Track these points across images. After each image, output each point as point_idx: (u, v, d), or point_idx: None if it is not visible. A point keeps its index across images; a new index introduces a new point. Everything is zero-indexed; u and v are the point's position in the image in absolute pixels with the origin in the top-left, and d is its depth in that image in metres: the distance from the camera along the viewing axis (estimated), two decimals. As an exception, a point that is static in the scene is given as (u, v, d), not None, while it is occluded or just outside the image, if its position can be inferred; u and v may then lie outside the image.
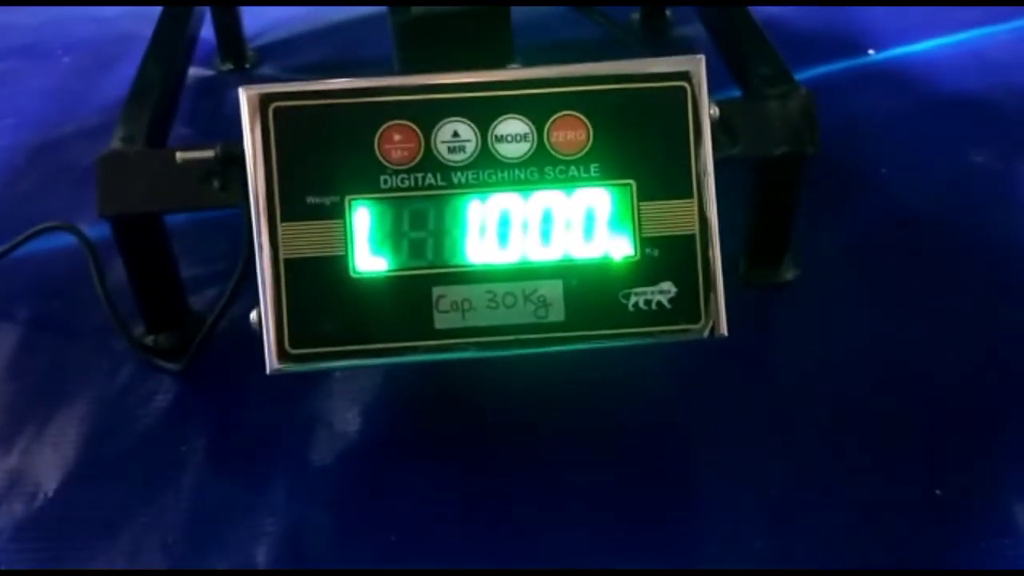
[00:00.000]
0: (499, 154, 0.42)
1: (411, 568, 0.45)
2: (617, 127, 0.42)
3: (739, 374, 0.54)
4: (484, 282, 0.42)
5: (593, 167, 0.42)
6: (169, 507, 0.48)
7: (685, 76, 0.42)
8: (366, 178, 0.42)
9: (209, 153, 0.46)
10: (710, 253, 0.43)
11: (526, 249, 0.42)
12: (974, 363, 0.55)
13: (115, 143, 0.53)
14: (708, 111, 0.43)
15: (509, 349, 0.42)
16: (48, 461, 0.51)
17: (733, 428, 0.51)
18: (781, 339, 0.58)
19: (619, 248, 0.42)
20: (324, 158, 0.42)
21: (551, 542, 0.46)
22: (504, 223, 0.42)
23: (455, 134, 0.42)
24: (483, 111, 0.42)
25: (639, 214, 0.42)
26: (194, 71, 0.82)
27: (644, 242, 0.42)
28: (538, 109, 0.42)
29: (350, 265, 0.42)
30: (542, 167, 0.42)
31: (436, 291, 0.42)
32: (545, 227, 0.42)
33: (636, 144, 0.42)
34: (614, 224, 0.42)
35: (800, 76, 0.56)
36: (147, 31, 0.65)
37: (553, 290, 0.42)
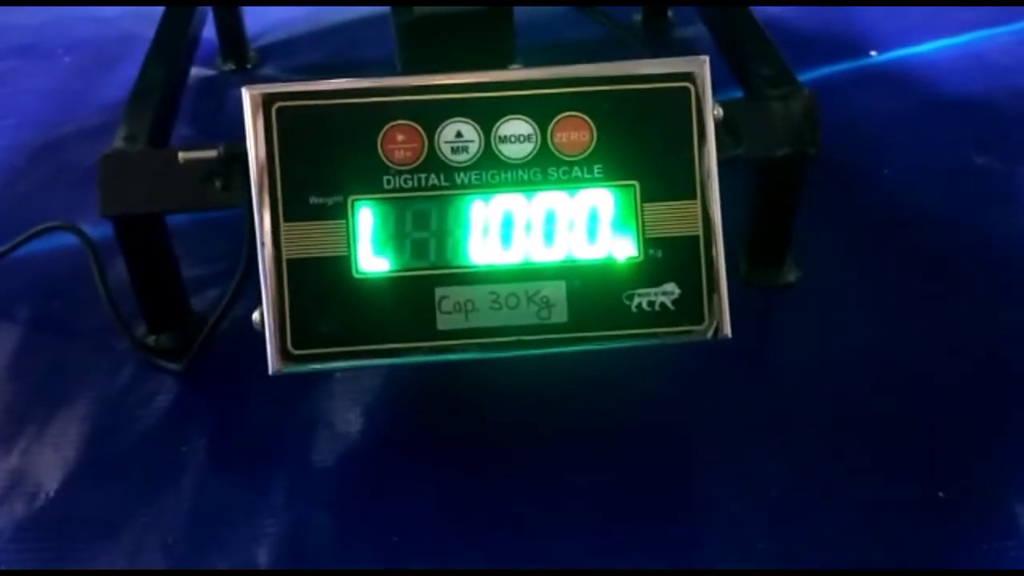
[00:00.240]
0: (502, 154, 0.42)
1: (412, 568, 0.45)
2: (621, 128, 0.42)
3: (740, 375, 0.54)
4: (487, 283, 0.42)
5: (596, 168, 0.42)
6: (170, 508, 0.48)
7: (689, 77, 0.42)
8: (369, 178, 0.42)
9: (211, 153, 0.46)
10: (714, 254, 0.42)
11: (529, 250, 0.42)
12: (976, 364, 0.55)
13: (117, 143, 0.53)
14: (712, 112, 0.42)
15: (512, 350, 0.42)
16: (49, 461, 0.51)
17: (734, 429, 0.51)
18: (782, 340, 0.58)
19: (622, 249, 0.42)
20: (327, 158, 0.42)
21: (551, 543, 0.46)
22: (507, 224, 0.42)
23: (458, 134, 0.42)
24: (486, 111, 0.42)
25: (642, 215, 0.42)
26: (196, 71, 0.82)
27: (647, 243, 0.42)
28: (542, 110, 0.42)
29: (353, 265, 0.42)
30: (545, 168, 0.42)
31: (439, 292, 0.42)
32: (548, 228, 0.42)
33: (640, 145, 0.42)
34: (617, 225, 0.42)
35: (802, 77, 0.56)
36: (148, 31, 0.65)
37: (556, 291, 0.42)
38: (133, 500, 0.48)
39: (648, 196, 0.42)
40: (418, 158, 0.42)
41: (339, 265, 0.42)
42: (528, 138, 0.42)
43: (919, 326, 0.57)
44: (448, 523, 0.47)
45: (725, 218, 0.43)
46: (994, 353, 0.55)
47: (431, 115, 0.42)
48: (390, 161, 0.42)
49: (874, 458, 0.50)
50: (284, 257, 0.42)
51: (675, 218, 0.43)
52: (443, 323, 0.42)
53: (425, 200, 0.42)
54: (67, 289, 0.61)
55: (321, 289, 0.42)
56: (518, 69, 0.46)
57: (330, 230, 0.42)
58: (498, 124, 0.42)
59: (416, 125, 0.42)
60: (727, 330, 0.43)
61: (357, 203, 0.42)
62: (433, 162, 0.42)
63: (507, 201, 0.42)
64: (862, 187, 0.68)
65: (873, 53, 0.84)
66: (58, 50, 0.92)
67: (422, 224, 0.42)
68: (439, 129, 0.42)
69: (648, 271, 0.42)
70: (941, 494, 0.48)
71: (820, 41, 0.86)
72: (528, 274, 0.42)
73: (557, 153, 0.42)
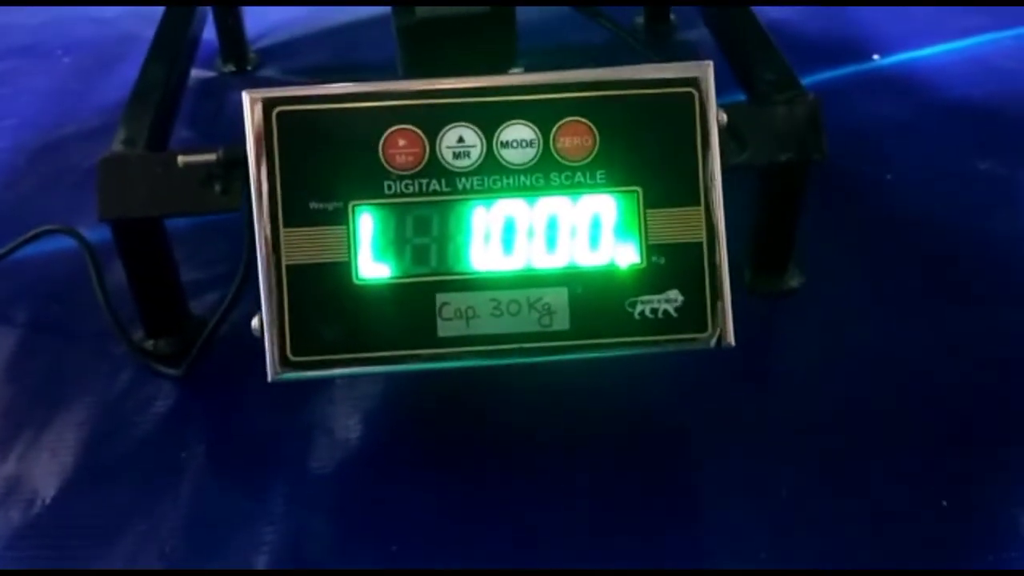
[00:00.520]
0: (504, 160, 0.42)
1: (411, 568, 0.45)
2: (624, 133, 0.42)
3: (743, 382, 0.54)
4: (488, 289, 0.42)
5: (599, 174, 0.42)
6: (168, 514, 0.48)
7: (693, 82, 0.42)
8: (370, 183, 0.41)
9: (211, 157, 0.45)
10: (717, 261, 0.42)
11: (531, 256, 0.42)
12: (981, 371, 0.54)
13: (116, 146, 0.52)
14: (716, 118, 0.42)
15: (513, 358, 0.42)
16: (46, 467, 0.50)
17: (737, 436, 0.51)
18: (786, 346, 0.58)
19: (625, 256, 0.42)
20: (327, 163, 0.41)
21: (551, 552, 0.46)
22: (509, 230, 0.42)
23: (460, 139, 0.42)
24: (489, 116, 0.42)
25: (645, 221, 0.42)
26: (196, 73, 0.82)
27: (650, 250, 0.42)
28: (544, 115, 0.42)
29: (353, 271, 0.41)
30: (548, 173, 0.42)
31: (440, 298, 0.42)
32: (550, 234, 0.42)
33: (643, 151, 0.42)
34: (620, 231, 0.42)
35: (805, 81, 0.56)
36: (148, 32, 0.64)
37: (558, 298, 0.42)
38: (131, 506, 0.48)
39: (651, 202, 0.42)
40: (419, 163, 0.42)
41: (339, 271, 0.41)
42: (530, 143, 0.42)
43: (923, 332, 0.57)
44: (447, 531, 0.47)
45: (728, 224, 0.43)
46: (999, 359, 0.55)
47: (433, 120, 0.42)
48: (391, 166, 0.42)
49: (877, 466, 0.49)
50: (284, 263, 0.41)
51: (678, 225, 0.42)
52: (444, 330, 0.42)
53: (426, 206, 0.42)
54: (65, 293, 0.61)
55: (321, 295, 0.41)
56: (520, 73, 0.46)
57: (330, 236, 0.41)
58: (500, 129, 0.42)
59: (417, 130, 0.42)
60: (731, 338, 0.42)
61: (358, 208, 0.41)
62: (434, 167, 0.42)
63: (509, 207, 0.42)
64: (865, 192, 0.68)
65: (876, 57, 0.83)
66: (57, 51, 0.91)
67: (423, 230, 0.42)
68: (441, 134, 0.42)
69: (651, 278, 0.42)
70: (945, 503, 0.47)
71: (823, 45, 0.85)
72: (530, 281, 0.42)
73: (559, 159, 0.42)
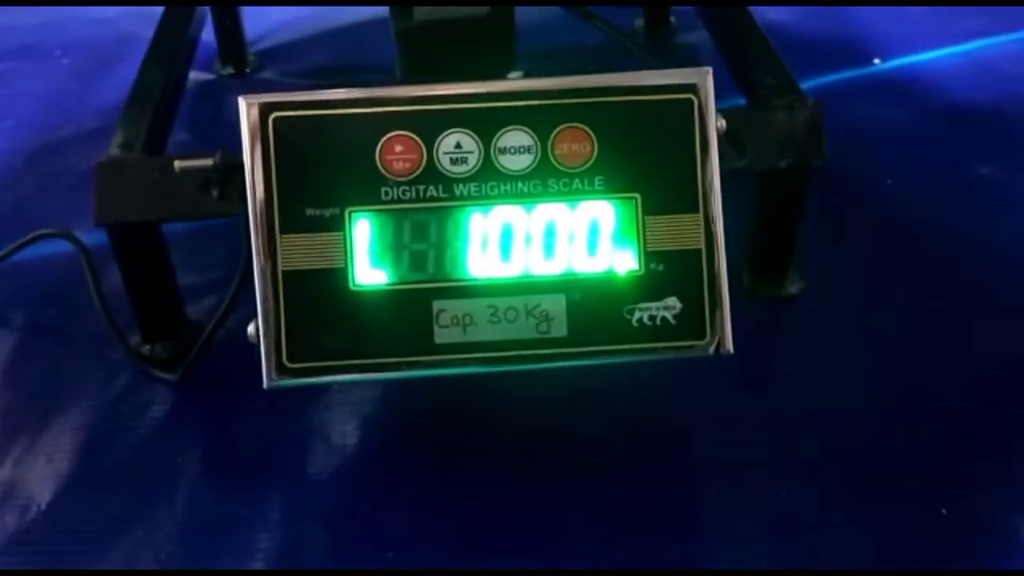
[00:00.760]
0: (502, 166, 0.42)
1: (410, 568, 0.45)
2: (622, 140, 0.42)
3: (742, 388, 0.54)
4: (486, 296, 0.42)
5: (597, 180, 0.42)
6: (164, 519, 0.47)
7: (692, 88, 0.42)
8: (367, 189, 0.41)
9: (208, 161, 0.45)
10: (716, 268, 0.42)
11: (528, 263, 0.42)
12: (982, 378, 0.54)
13: (113, 149, 0.52)
14: (715, 124, 0.42)
15: (510, 365, 0.42)
16: (41, 472, 0.50)
17: (736, 443, 0.51)
18: (785, 353, 0.57)
19: (623, 262, 0.42)
20: (324, 169, 0.41)
21: (551, 558, 0.46)
22: (506, 236, 0.42)
23: (457, 145, 0.42)
24: (486, 122, 0.42)
25: (644, 228, 0.42)
26: (194, 75, 0.81)
27: (649, 256, 0.42)
28: (542, 121, 0.42)
29: (350, 278, 0.41)
30: (545, 180, 0.42)
31: (437, 305, 0.41)
32: (548, 241, 0.42)
33: (641, 157, 0.42)
34: (618, 238, 0.42)
35: (805, 85, 0.55)
36: (147, 32, 0.64)
37: (556, 305, 0.42)
38: (126, 511, 0.48)
39: (650, 209, 0.42)
40: (417, 169, 0.41)
41: (336, 277, 0.41)
42: (528, 149, 0.42)
43: (923, 338, 0.56)
44: (445, 537, 0.47)
45: (727, 229, 0.42)
46: (1000, 366, 0.55)
47: (430, 126, 0.41)
48: (388, 172, 0.41)
49: (877, 474, 0.49)
50: (280, 269, 0.41)
51: (677, 231, 0.42)
52: (441, 337, 0.41)
53: (423, 212, 0.41)
54: (61, 297, 0.61)
55: (317, 302, 0.41)
56: (519, 77, 0.46)
57: (327, 242, 0.41)
58: (498, 135, 0.42)
59: (415, 136, 0.41)
60: (729, 345, 0.42)
61: (354, 215, 0.41)
62: (432, 173, 0.41)
63: (507, 213, 0.42)
64: (865, 197, 0.68)
65: (876, 61, 0.83)
66: (56, 51, 0.91)
67: (420, 236, 0.41)
68: (438, 140, 0.42)
69: (649, 285, 0.42)
70: (944, 511, 0.47)
71: (823, 48, 0.85)
72: (527, 287, 0.42)
73: (557, 165, 0.42)
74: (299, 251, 0.41)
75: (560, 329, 0.42)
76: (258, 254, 0.41)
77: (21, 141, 0.78)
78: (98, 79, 0.86)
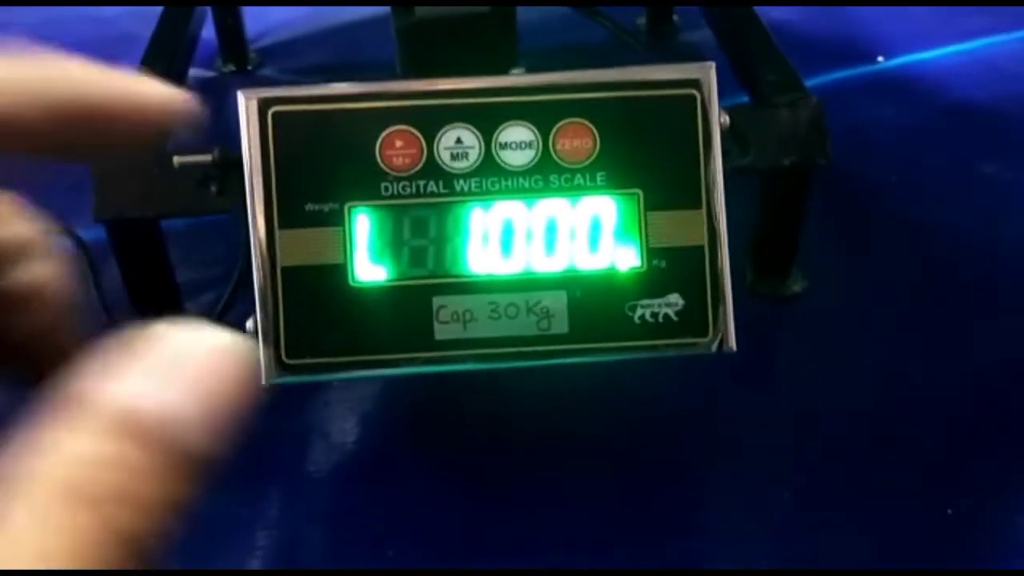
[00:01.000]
0: (503, 161, 0.41)
1: (410, 568, 0.44)
2: (624, 135, 0.41)
3: (745, 387, 0.53)
4: (486, 292, 0.41)
5: (599, 176, 0.41)
6: (162, 518, 0.47)
7: (695, 84, 0.41)
8: (366, 185, 0.41)
9: (207, 157, 0.45)
10: (719, 265, 0.41)
11: (530, 259, 0.41)
12: (986, 378, 0.54)
13: (111, 146, 0.52)
14: (718, 120, 0.41)
15: (511, 361, 0.41)
16: (39, 469, 0.50)
17: (738, 442, 0.50)
18: (788, 351, 0.57)
19: (625, 259, 0.41)
20: (324, 164, 0.41)
21: (551, 556, 0.45)
22: (507, 232, 0.41)
23: (458, 140, 0.41)
24: (487, 117, 0.41)
25: (646, 224, 0.41)
26: (195, 72, 0.81)
27: (651, 253, 0.41)
28: (543, 116, 0.41)
29: (349, 274, 0.41)
30: (547, 175, 0.41)
31: (437, 301, 0.41)
32: (549, 237, 0.41)
33: (643, 153, 0.41)
34: (620, 234, 0.41)
35: (808, 83, 0.55)
36: (148, 31, 0.64)
37: (557, 301, 0.41)
38: (124, 510, 0.48)
39: (652, 205, 0.41)
40: (417, 164, 0.41)
41: (335, 273, 0.41)
42: (529, 145, 0.41)
43: (926, 337, 0.56)
44: (445, 536, 0.46)
45: (730, 227, 0.42)
46: (1005, 366, 0.54)
47: (430, 120, 0.41)
48: (388, 167, 0.41)
49: (881, 474, 0.49)
50: (279, 265, 0.41)
51: (679, 228, 0.42)
52: (441, 333, 0.41)
53: (423, 207, 0.41)
54: (60, 293, 0.60)
55: (316, 298, 0.41)
56: (520, 74, 0.45)
57: (326, 237, 0.41)
58: (499, 130, 0.41)
59: (415, 131, 0.41)
60: (732, 343, 0.42)
61: (354, 210, 0.41)
62: (432, 169, 0.41)
63: (507, 209, 0.41)
64: (868, 195, 0.67)
65: (880, 59, 0.83)
66: (56, 50, 0.91)
67: (420, 232, 0.41)
68: (438, 135, 0.41)
69: (651, 282, 0.41)
70: (950, 511, 0.47)
71: (826, 46, 0.85)
72: (528, 284, 0.41)
73: (559, 160, 0.41)
74: (298, 247, 0.41)
75: (561, 326, 0.41)
76: (256, 250, 0.41)
77: (21, 138, 0.77)
78: (98, 77, 0.86)
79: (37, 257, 0.23)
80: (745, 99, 0.58)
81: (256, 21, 0.89)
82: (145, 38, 0.63)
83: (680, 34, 0.88)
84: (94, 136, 0.21)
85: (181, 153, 0.46)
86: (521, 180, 0.41)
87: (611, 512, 0.47)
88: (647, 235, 0.41)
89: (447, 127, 0.41)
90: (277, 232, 0.41)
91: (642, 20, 0.89)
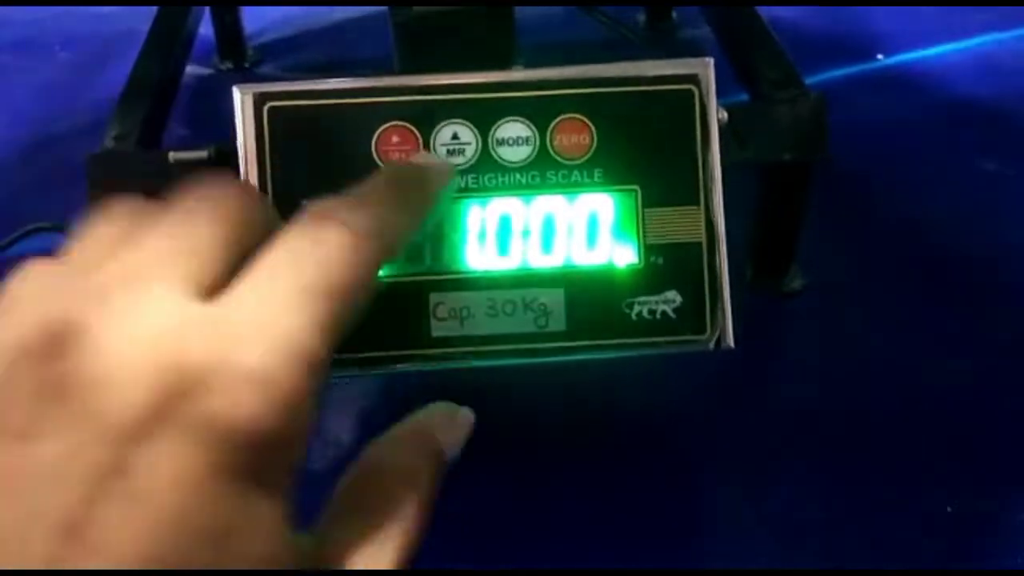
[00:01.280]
0: (500, 158, 0.41)
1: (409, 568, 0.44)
2: (622, 131, 0.41)
3: (743, 385, 0.53)
4: (483, 289, 0.41)
5: (597, 172, 0.41)
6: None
7: (693, 79, 0.41)
8: (363, 180, 0.41)
9: (202, 154, 0.45)
10: (717, 262, 0.41)
11: (527, 256, 0.41)
12: (987, 375, 0.53)
13: (107, 142, 0.52)
14: (716, 115, 0.41)
15: (508, 359, 0.41)
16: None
17: (736, 439, 0.50)
18: (787, 349, 0.57)
19: (623, 256, 0.41)
20: (320, 160, 0.41)
21: (550, 554, 0.45)
22: (504, 229, 0.41)
23: (455, 136, 0.41)
24: (484, 113, 0.41)
25: (644, 221, 0.41)
26: (193, 69, 0.81)
27: (648, 250, 0.41)
28: (540, 112, 0.41)
29: (345, 270, 0.41)
30: (544, 171, 0.41)
31: (433, 298, 0.41)
32: (547, 233, 0.41)
33: (641, 149, 0.41)
34: (618, 231, 0.41)
35: (808, 80, 0.55)
36: (146, 28, 0.64)
37: (554, 298, 0.41)
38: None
39: (650, 201, 0.41)
40: (413, 160, 0.41)
41: None
42: (526, 141, 0.41)
43: (928, 335, 0.56)
44: (444, 536, 0.46)
45: (729, 224, 0.42)
46: (1005, 364, 0.54)
47: (427, 116, 0.41)
48: (384, 163, 0.41)
49: (880, 471, 0.48)
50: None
51: (677, 224, 0.41)
52: (437, 330, 0.41)
53: (420, 204, 0.41)
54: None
55: None
56: (518, 70, 0.45)
57: None
58: (496, 126, 0.41)
59: (411, 127, 0.41)
60: (730, 340, 0.42)
61: (350, 206, 0.40)
62: None
63: (504, 205, 0.41)
64: (869, 192, 0.67)
65: (880, 56, 0.82)
66: (54, 45, 0.91)
67: (417, 228, 0.41)
68: (435, 131, 0.41)
69: (649, 278, 0.41)
70: (949, 508, 0.46)
71: (825, 43, 0.84)
72: (525, 280, 0.41)
73: (556, 156, 0.41)
74: None
75: (559, 323, 0.41)
76: (252, 246, 0.40)
77: (16, 135, 0.77)
78: (96, 73, 0.85)
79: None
80: (744, 98, 0.58)
81: (254, 18, 0.89)
82: (144, 34, 0.63)
83: (679, 31, 0.88)
84: None
85: (177, 150, 0.46)
86: (518, 176, 0.41)
87: (610, 511, 0.47)
88: (645, 232, 0.41)
89: (444, 123, 0.41)
90: None
91: (640, 18, 0.89)
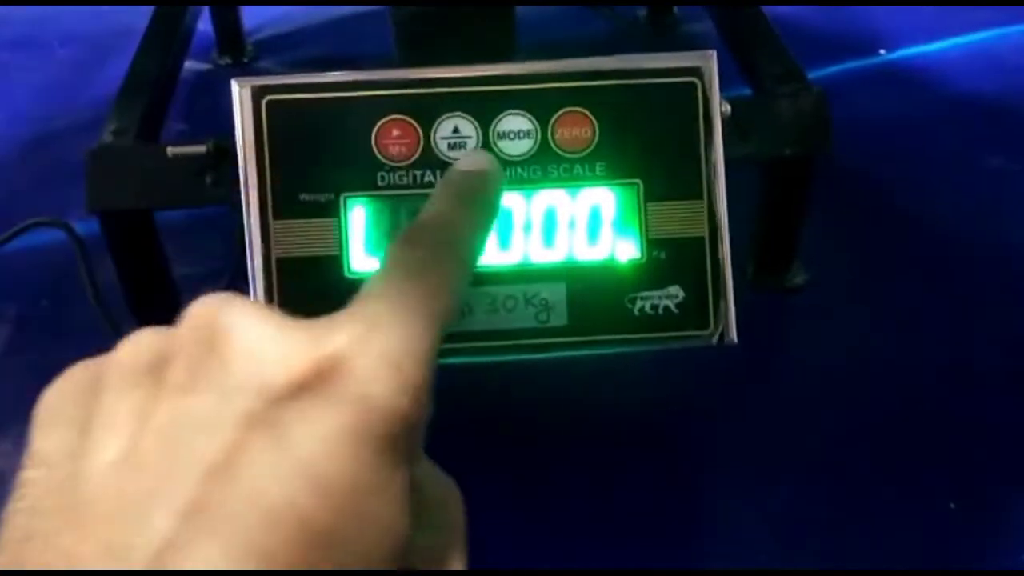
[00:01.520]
0: (501, 151, 0.41)
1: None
2: (624, 124, 0.41)
3: (745, 381, 0.53)
4: (484, 284, 0.41)
5: (599, 166, 0.41)
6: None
7: (695, 72, 0.41)
8: (363, 175, 0.40)
9: (201, 148, 0.45)
10: (720, 257, 0.41)
11: (528, 250, 0.41)
12: (989, 371, 0.53)
13: (105, 137, 0.51)
14: (719, 109, 0.41)
15: (509, 354, 0.41)
16: (33, 464, 0.49)
17: (738, 435, 0.50)
18: (789, 344, 0.57)
19: (625, 250, 0.41)
20: (319, 154, 0.40)
21: (549, 553, 0.45)
22: (505, 223, 0.41)
23: (455, 130, 0.41)
24: (485, 106, 0.40)
25: (646, 215, 0.41)
26: (192, 65, 0.81)
27: (651, 244, 0.41)
28: (542, 105, 0.41)
29: (345, 265, 0.40)
30: (545, 165, 0.41)
31: (434, 293, 0.40)
32: (548, 228, 0.41)
33: (643, 142, 0.41)
34: (620, 225, 0.41)
35: (810, 75, 0.54)
36: (144, 25, 0.63)
37: (556, 293, 0.41)
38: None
39: (652, 195, 0.41)
40: (413, 154, 0.40)
41: (331, 264, 0.40)
42: (528, 134, 0.41)
43: (930, 332, 0.56)
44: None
45: (731, 219, 0.41)
46: (1008, 360, 0.54)
47: (427, 110, 0.40)
48: (384, 157, 0.40)
49: (883, 468, 0.48)
50: (274, 256, 0.40)
51: (680, 218, 0.41)
52: (438, 326, 0.40)
53: (420, 198, 0.40)
54: (55, 287, 0.60)
55: (312, 289, 0.40)
56: (519, 63, 0.45)
57: (321, 228, 0.40)
58: (497, 120, 0.41)
59: (412, 120, 0.40)
60: (733, 335, 0.41)
61: (350, 200, 0.40)
62: (429, 158, 0.40)
63: (505, 200, 0.40)
64: (871, 188, 0.67)
65: (883, 51, 0.82)
66: (53, 42, 0.90)
67: (417, 223, 0.40)
68: (436, 124, 0.41)
69: (651, 273, 0.41)
70: (952, 505, 0.46)
71: (828, 39, 0.84)
72: (527, 275, 0.41)
73: (558, 150, 0.41)
74: (293, 238, 0.40)
75: (560, 318, 0.41)
76: (251, 241, 0.40)
77: (16, 132, 0.77)
78: (94, 70, 0.85)
79: None
80: (747, 92, 0.58)
81: (253, 14, 0.89)
82: (142, 31, 0.62)
83: (681, 26, 0.88)
84: None
85: (175, 144, 0.46)
86: (519, 170, 0.41)
87: (609, 510, 0.47)
88: (647, 226, 0.41)
89: (444, 116, 0.40)
90: (272, 223, 0.40)
91: (642, 13, 0.89)
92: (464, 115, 0.41)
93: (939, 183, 0.67)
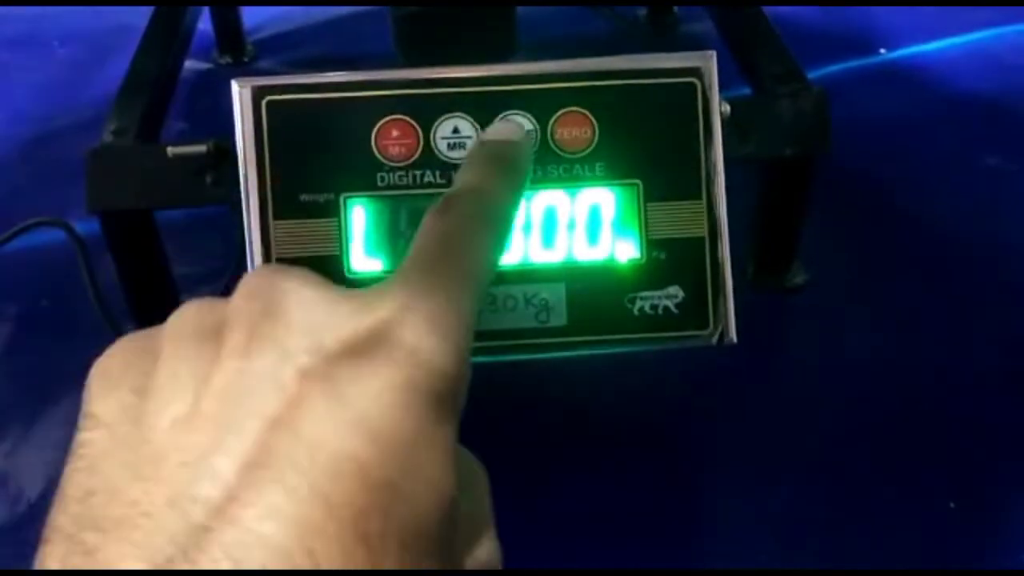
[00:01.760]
0: (501, 151, 0.41)
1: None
2: (624, 124, 0.41)
3: (745, 381, 0.53)
4: (484, 284, 0.41)
5: (598, 166, 0.41)
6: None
7: (695, 72, 0.41)
8: (362, 175, 0.40)
9: (201, 148, 0.45)
10: (719, 257, 0.41)
11: (528, 250, 0.41)
12: (987, 371, 0.53)
13: (106, 137, 0.51)
14: (719, 109, 0.41)
15: (509, 354, 0.41)
16: (33, 464, 0.49)
17: (738, 435, 0.50)
18: (789, 345, 0.57)
19: (624, 250, 0.41)
20: (319, 154, 0.40)
21: (549, 553, 0.45)
22: (505, 223, 0.41)
23: (455, 130, 0.41)
24: (485, 106, 0.40)
25: (646, 215, 0.41)
26: (192, 64, 0.81)
27: (651, 244, 0.41)
28: (542, 105, 0.41)
29: (345, 266, 0.40)
30: (545, 165, 0.41)
31: (434, 293, 0.40)
32: (548, 228, 0.41)
33: (643, 142, 0.41)
34: (619, 225, 0.41)
35: (810, 75, 0.54)
36: (144, 24, 0.63)
37: (555, 293, 0.41)
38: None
39: (652, 196, 0.41)
40: (413, 154, 0.40)
41: (330, 265, 0.40)
42: (528, 135, 0.41)
43: (929, 331, 0.56)
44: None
45: (731, 219, 0.41)
46: (1006, 359, 0.54)
47: (427, 110, 0.40)
48: (384, 157, 0.40)
49: (883, 468, 0.48)
50: (274, 256, 0.40)
51: (680, 219, 0.41)
52: (438, 326, 0.40)
53: (420, 198, 0.40)
54: (55, 287, 0.60)
55: None
56: (519, 63, 0.45)
57: (321, 228, 0.40)
58: (497, 119, 0.41)
59: (412, 120, 0.40)
60: (732, 335, 0.41)
61: (350, 201, 0.40)
62: (429, 159, 0.40)
63: (505, 200, 0.40)
64: (871, 187, 0.67)
65: (882, 51, 0.82)
66: (53, 41, 0.90)
67: (417, 223, 0.39)
68: (435, 124, 0.41)
69: (651, 273, 0.41)
70: (952, 505, 0.46)
71: (828, 39, 0.84)
72: (526, 275, 0.41)
73: (557, 150, 0.41)
74: (293, 238, 0.40)
75: (560, 318, 0.41)
76: (251, 241, 0.40)
77: (16, 132, 0.77)
78: (95, 69, 0.85)
79: None
80: (747, 92, 0.58)
81: (253, 14, 0.89)
82: (142, 30, 0.62)
83: (681, 26, 0.88)
84: None
85: (176, 144, 0.46)
86: None
87: (609, 510, 0.47)
88: (647, 226, 0.41)
89: (444, 116, 0.40)
90: (272, 223, 0.40)
91: (642, 13, 0.89)
92: (464, 115, 0.41)
93: (938, 182, 0.67)
